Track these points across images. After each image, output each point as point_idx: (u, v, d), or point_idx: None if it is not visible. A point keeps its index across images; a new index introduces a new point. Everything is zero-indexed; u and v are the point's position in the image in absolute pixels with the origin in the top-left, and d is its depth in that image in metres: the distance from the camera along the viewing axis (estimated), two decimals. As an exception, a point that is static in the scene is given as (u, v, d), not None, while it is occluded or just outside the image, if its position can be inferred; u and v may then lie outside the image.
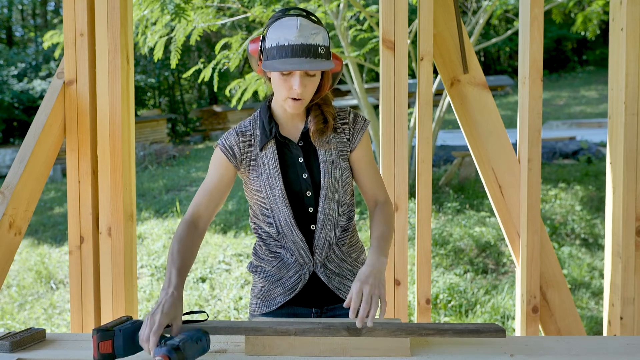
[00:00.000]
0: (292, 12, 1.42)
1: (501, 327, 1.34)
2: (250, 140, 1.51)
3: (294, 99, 1.41)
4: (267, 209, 1.52)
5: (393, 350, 1.32)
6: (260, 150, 1.50)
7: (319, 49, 1.37)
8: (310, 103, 1.51)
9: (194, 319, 1.35)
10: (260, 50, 1.43)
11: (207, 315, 1.38)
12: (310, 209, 1.51)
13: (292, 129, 1.53)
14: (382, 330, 1.32)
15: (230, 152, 1.50)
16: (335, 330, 1.32)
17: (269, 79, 1.47)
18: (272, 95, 1.53)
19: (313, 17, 1.43)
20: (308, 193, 1.50)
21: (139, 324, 1.25)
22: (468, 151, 6.73)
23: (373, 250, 1.41)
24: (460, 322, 1.40)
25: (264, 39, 1.42)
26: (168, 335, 1.22)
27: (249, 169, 1.51)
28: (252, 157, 1.51)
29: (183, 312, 1.28)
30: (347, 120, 1.54)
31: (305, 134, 1.51)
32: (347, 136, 1.53)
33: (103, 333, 1.21)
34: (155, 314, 1.22)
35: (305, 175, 1.50)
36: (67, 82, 2.24)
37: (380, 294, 1.30)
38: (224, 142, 1.52)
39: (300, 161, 1.50)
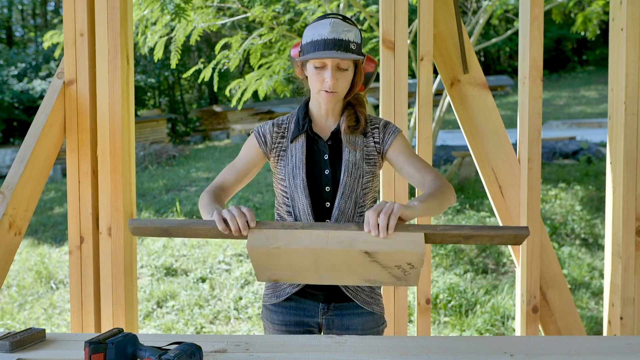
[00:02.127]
0: (328, 15, 1.51)
1: (524, 228, 1.25)
2: (284, 133, 1.60)
3: (326, 92, 1.49)
4: (288, 198, 1.58)
5: (405, 244, 1.24)
6: (291, 142, 1.58)
7: (350, 44, 1.47)
8: (344, 100, 1.59)
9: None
10: (299, 51, 1.54)
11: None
12: (327, 204, 1.56)
13: (324, 127, 1.60)
14: (400, 229, 1.26)
15: (263, 139, 1.60)
16: (345, 225, 1.28)
17: (307, 77, 1.55)
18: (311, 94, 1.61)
19: (348, 20, 1.52)
20: (327, 188, 1.55)
21: (131, 337, 1.26)
22: (468, 151, 6.73)
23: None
24: (482, 225, 1.32)
25: (302, 41, 1.52)
26: (164, 350, 1.22)
27: (278, 159, 1.59)
28: (283, 148, 1.59)
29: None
30: (377, 126, 1.60)
31: (334, 133, 1.58)
32: (375, 139, 1.58)
33: (95, 346, 1.21)
34: (231, 210, 1.28)
35: (327, 172, 1.56)
36: (67, 82, 2.24)
37: (394, 212, 1.24)
38: (259, 129, 1.62)
39: (325, 158, 1.57)
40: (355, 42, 1.48)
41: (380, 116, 2.21)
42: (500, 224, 2.36)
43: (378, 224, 1.24)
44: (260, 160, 1.61)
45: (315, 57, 1.45)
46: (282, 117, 1.65)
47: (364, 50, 6.93)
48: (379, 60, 2.17)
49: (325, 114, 1.59)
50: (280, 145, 1.59)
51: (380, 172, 2.21)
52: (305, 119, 1.59)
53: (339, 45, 1.45)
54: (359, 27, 6.60)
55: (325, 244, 1.26)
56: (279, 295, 1.60)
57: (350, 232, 1.27)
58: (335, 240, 1.26)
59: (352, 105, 1.59)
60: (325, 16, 1.51)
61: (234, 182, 1.59)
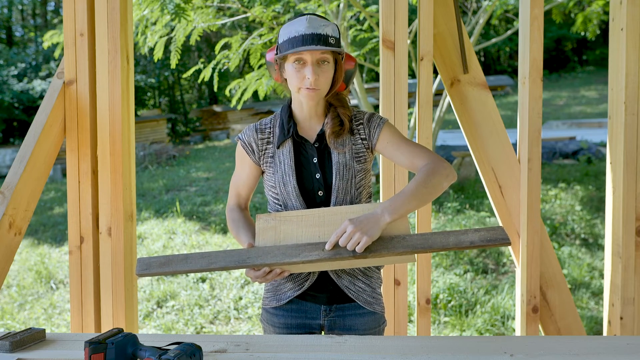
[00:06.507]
0: (303, 14, 1.48)
1: (506, 236, 1.36)
2: (269, 138, 1.57)
3: (307, 89, 1.46)
4: (280, 205, 1.56)
5: (399, 260, 1.41)
6: (278, 148, 1.55)
7: (328, 38, 1.44)
8: (326, 99, 1.55)
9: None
10: (275, 54, 1.50)
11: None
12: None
13: (309, 130, 1.57)
14: (388, 253, 1.36)
15: (250, 148, 1.58)
16: (342, 258, 1.37)
17: (285, 80, 1.52)
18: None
19: (325, 18, 1.50)
20: (320, 193, 1.53)
21: (130, 337, 1.26)
22: (468, 151, 6.73)
23: (385, 201, 1.42)
24: (462, 229, 1.41)
25: (278, 42, 1.49)
26: (164, 350, 1.22)
27: (266, 165, 1.57)
28: (270, 155, 1.56)
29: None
30: (361, 121, 1.57)
31: (321, 135, 1.55)
32: (361, 136, 1.55)
33: (95, 346, 1.21)
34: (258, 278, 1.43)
35: (318, 175, 1.53)
36: (67, 82, 2.24)
37: (361, 240, 1.34)
38: (243, 137, 1.59)
39: (315, 161, 1.54)
40: (333, 36, 1.45)
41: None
42: (500, 224, 2.36)
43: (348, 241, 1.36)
44: (257, 167, 1.60)
45: (294, 51, 1.41)
46: (265, 120, 1.61)
47: (363, 51, 6.91)
48: (378, 60, 2.17)
49: (308, 115, 1.55)
50: (267, 151, 1.56)
51: (380, 172, 2.22)
52: (289, 123, 1.55)
53: (318, 39, 1.41)
54: (359, 27, 6.55)
55: (329, 269, 1.46)
56: (280, 299, 1.59)
57: (348, 261, 1.39)
58: (337, 265, 1.42)
59: (334, 107, 1.56)
60: (300, 15, 1.48)
61: (247, 192, 1.65)
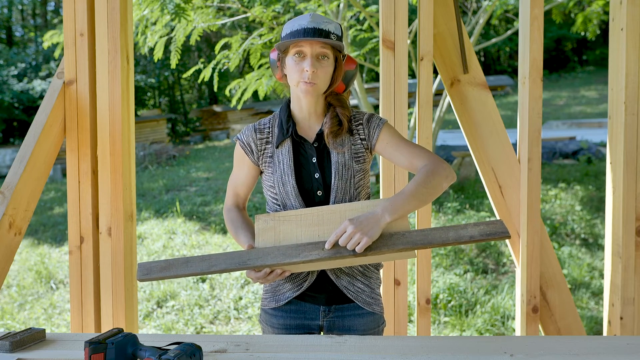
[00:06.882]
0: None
1: (505, 229, 1.36)
2: (268, 138, 1.57)
3: (306, 82, 1.46)
4: (279, 205, 1.56)
5: (400, 256, 1.41)
6: (277, 147, 1.55)
7: (330, 34, 1.45)
8: (325, 98, 1.55)
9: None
10: (278, 55, 1.52)
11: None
12: None
13: (309, 129, 1.57)
14: (389, 250, 1.36)
15: (249, 148, 1.57)
16: (342, 257, 1.37)
17: (286, 76, 1.53)
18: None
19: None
20: (319, 192, 1.53)
21: (131, 337, 1.26)
22: (468, 151, 6.73)
23: (385, 200, 1.42)
24: (461, 224, 1.41)
25: (281, 37, 1.51)
26: (164, 350, 1.22)
27: (265, 165, 1.57)
28: (269, 154, 1.56)
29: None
30: (361, 122, 1.57)
31: (320, 135, 1.55)
32: (361, 136, 1.56)
33: (95, 346, 1.21)
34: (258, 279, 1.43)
35: (317, 175, 1.53)
36: (67, 82, 2.24)
37: (362, 240, 1.35)
38: (242, 137, 1.59)
39: (314, 161, 1.54)
40: (335, 33, 1.46)
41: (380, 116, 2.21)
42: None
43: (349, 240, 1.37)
44: (256, 167, 1.60)
45: (294, 41, 1.43)
46: (263, 120, 1.61)
47: (363, 51, 6.90)
48: (378, 60, 2.18)
49: (307, 114, 1.55)
50: (266, 151, 1.56)
51: (380, 172, 2.22)
52: (288, 123, 1.55)
53: (319, 33, 1.43)
54: (359, 27, 6.53)
55: (327, 266, 1.43)
56: (279, 300, 1.58)
57: (349, 259, 1.39)
58: (337, 264, 1.42)
59: (333, 106, 1.56)
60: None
61: (245, 192, 1.65)
